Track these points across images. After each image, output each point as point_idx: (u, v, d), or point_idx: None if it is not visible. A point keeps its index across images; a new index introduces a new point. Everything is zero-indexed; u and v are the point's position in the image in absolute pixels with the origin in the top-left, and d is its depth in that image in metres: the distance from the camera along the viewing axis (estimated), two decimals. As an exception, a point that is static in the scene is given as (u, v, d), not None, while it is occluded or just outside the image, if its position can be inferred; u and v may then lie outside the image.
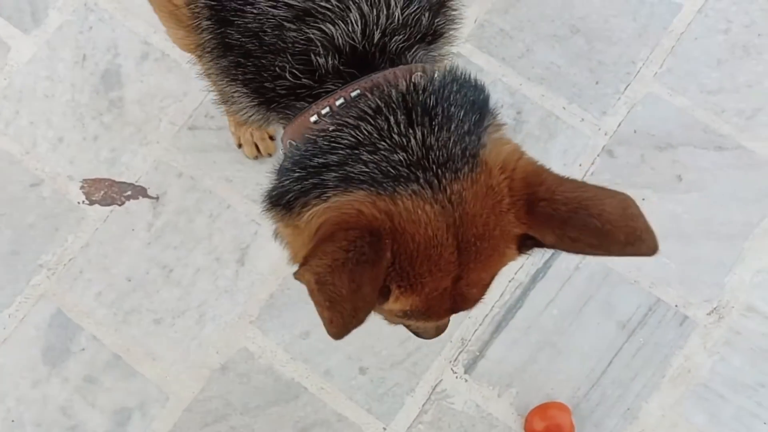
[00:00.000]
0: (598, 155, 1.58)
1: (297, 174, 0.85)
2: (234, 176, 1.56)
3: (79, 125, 1.59)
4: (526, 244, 0.87)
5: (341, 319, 0.74)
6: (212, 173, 1.56)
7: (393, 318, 0.96)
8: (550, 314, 1.50)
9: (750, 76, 1.63)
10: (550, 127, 1.60)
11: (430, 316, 0.90)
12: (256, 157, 1.55)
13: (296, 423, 1.45)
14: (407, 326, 1.11)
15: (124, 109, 1.60)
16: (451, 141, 0.82)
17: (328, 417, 1.45)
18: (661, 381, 1.47)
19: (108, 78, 1.61)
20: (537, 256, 1.52)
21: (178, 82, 1.61)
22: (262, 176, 1.53)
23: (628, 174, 1.57)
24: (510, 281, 1.51)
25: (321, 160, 0.83)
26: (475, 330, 1.49)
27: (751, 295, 1.51)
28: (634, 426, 1.45)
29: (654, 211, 1.53)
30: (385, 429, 1.45)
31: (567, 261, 1.52)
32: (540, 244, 0.86)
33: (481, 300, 0.95)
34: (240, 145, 1.56)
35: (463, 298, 0.90)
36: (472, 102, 0.85)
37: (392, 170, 0.81)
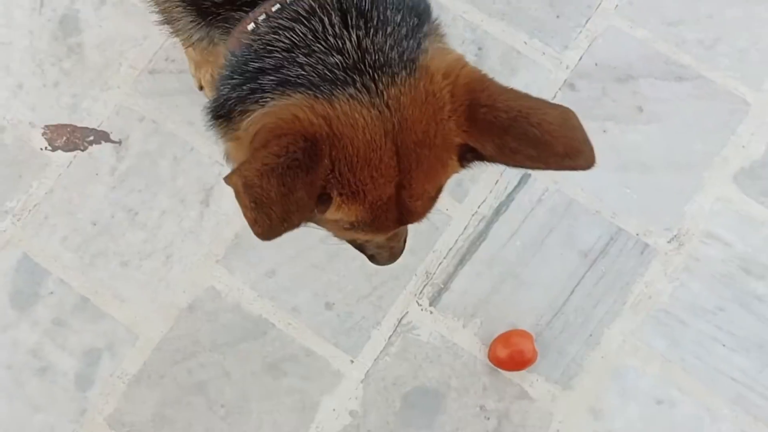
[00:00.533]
0: (559, 89, 1.59)
1: (235, 80, 0.85)
2: (196, 119, 1.55)
3: (39, 72, 1.58)
4: (466, 156, 0.88)
5: (268, 220, 0.75)
6: (174, 116, 1.56)
7: (342, 232, 0.96)
8: (513, 246, 1.52)
9: (710, 7, 1.64)
10: (512, 62, 1.61)
11: (377, 228, 0.91)
12: (217, 99, 1.55)
13: (264, 358, 1.47)
14: (360, 245, 1.12)
15: (84, 55, 1.59)
16: (388, 45, 0.82)
17: (296, 352, 1.48)
18: (622, 308, 1.50)
19: (66, 24, 1.60)
20: (500, 190, 1.54)
21: (138, 26, 1.60)
22: (224, 117, 1.55)
23: (589, 107, 1.58)
24: (473, 215, 1.53)
25: (258, 65, 0.83)
26: (440, 263, 1.51)
27: (711, 222, 1.53)
28: (596, 351, 1.48)
29: (615, 143, 1.57)
30: (352, 362, 1.48)
31: (530, 194, 1.54)
32: (481, 157, 0.87)
33: (428, 214, 0.96)
34: (201, 87, 1.55)
35: (408, 211, 0.91)
36: (410, 7, 0.85)
37: (329, 73, 0.81)
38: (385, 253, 1.11)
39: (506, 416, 1.46)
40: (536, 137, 0.81)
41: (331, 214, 0.87)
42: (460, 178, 1.54)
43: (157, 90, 1.57)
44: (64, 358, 1.47)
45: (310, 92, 0.80)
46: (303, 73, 0.81)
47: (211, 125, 0.93)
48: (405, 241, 1.14)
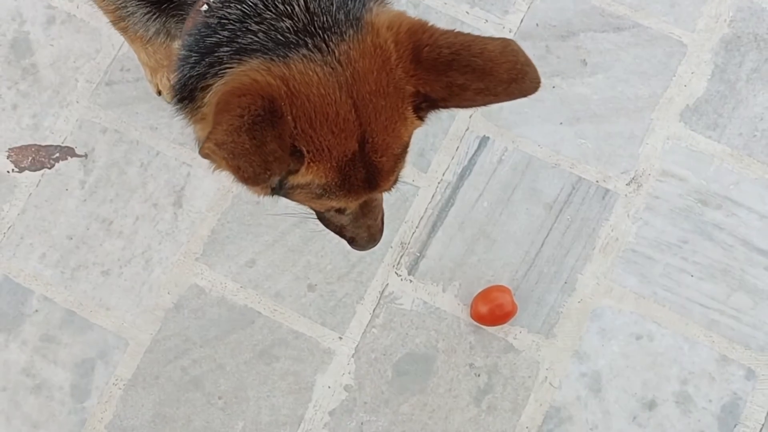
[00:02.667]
0: (505, 52, 1.64)
1: (193, 58, 0.89)
2: (158, 123, 1.59)
3: (-4, 97, 1.60)
4: (421, 107, 0.93)
5: (250, 167, 0.78)
6: (136, 124, 1.59)
7: (315, 201, 1.00)
8: (481, 207, 1.58)
9: (638, -42, 1.71)
10: (457, 32, 1.66)
11: (348, 190, 0.94)
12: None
13: (255, 346, 1.51)
14: (338, 226, 1.15)
15: (39, 75, 1.61)
16: (334, 7, 0.87)
17: (284, 336, 1.51)
18: (592, 252, 1.56)
19: (17, 46, 1.62)
20: (461, 155, 1.59)
21: (89, 41, 1.63)
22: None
23: (536, 65, 1.64)
24: (439, 182, 1.58)
25: (213, 39, 0.87)
26: (413, 233, 1.56)
27: (664, 161, 1.60)
28: (573, 297, 1.54)
29: (565, 97, 1.63)
30: (341, 338, 1.52)
31: (490, 155, 1.60)
32: (434, 103, 0.92)
33: (396, 179, 1.00)
34: (159, 92, 1.58)
35: (375, 169, 0.94)
36: None
37: (281, 37, 0.85)
38: (363, 233, 1.14)
39: (495, 370, 1.51)
40: (480, 67, 0.85)
41: (303, 176, 0.90)
42: (422, 148, 1.59)
43: (116, 100, 1.60)
44: (57, 373, 1.49)
45: (265, 56, 0.85)
46: (257, 39, 0.85)
47: (177, 110, 0.96)
48: (383, 222, 1.17)
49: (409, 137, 0.98)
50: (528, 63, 0.86)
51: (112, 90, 1.61)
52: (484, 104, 0.90)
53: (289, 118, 0.84)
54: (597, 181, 1.59)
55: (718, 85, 1.64)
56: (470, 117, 1.61)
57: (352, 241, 1.17)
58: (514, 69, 0.85)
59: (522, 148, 1.60)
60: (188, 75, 0.90)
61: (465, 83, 0.86)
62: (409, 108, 0.92)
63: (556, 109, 1.61)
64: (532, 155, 1.60)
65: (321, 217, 1.13)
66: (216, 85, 0.86)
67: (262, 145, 0.79)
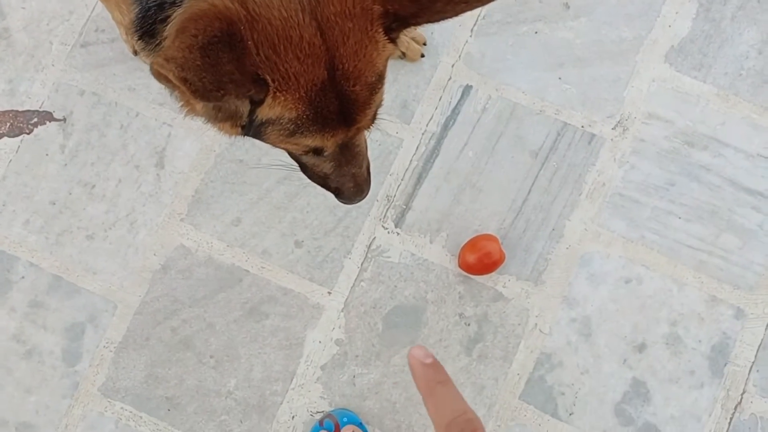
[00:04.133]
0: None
1: None
2: (136, 84, 1.57)
3: (-30, 63, 1.57)
4: (392, 27, 0.89)
5: (200, 82, 0.76)
6: (114, 85, 1.57)
7: (289, 142, 0.96)
8: (466, 157, 1.56)
9: None
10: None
11: (322, 125, 0.91)
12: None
13: (244, 304, 1.51)
14: (322, 175, 1.11)
15: (12, 39, 1.58)
16: None
17: (273, 293, 1.51)
18: (579, 198, 1.55)
19: (-12, 11, 1.59)
20: (444, 105, 1.57)
21: (61, 2, 1.59)
22: (163, 78, 1.55)
23: (518, 11, 1.62)
24: (423, 134, 1.56)
25: None
26: (398, 185, 1.55)
27: (649, 103, 1.59)
28: (561, 244, 1.54)
29: (548, 42, 1.61)
30: (329, 293, 1.51)
31: (474, 104, 1.58)
32: (405, 22, 0.88)
33: (373, 111, 0.96)
34: (136, 53, 1.56)
35: (349, 100, 0.90)
36: None
37: None
38: (348, 183, 1.10)
39: (485, 319, 1.51)
40: None
41: (271, 108, 0.87)
42: (404, 99, 1.57)
43: (92, 62, 1.57)
44: (47, 338, 1.49)
45: None
46: None
47: (140, 49, 0.93)
48: (369, 172, 1.13)
49: (384, 64, 0.94)
50: None
51: (87, 51, 1.58)
52: (456, 14, 0.85)
53: (250, 43, 0.81)
54: (582, 126, 1.57)
55: (702, 24, 1.61)
56: (452, 66, 1.59)
57: (338, 193, 1.13)
58: None
59: (506, 96, 1.58)
60: (147, 6, 0.87)
61: None
62: (380, 30, 0.88)
63: (540, 56, 1.59)
64: (516, 102, 1.58)
65: (302, 166, 1.11)
66: (175, 14, 0.83)
67: (216, 65, 0.76)
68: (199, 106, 0.92)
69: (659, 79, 1.60)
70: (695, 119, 1.58)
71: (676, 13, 1.62)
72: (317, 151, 1.01)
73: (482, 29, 1.59)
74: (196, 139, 1.55)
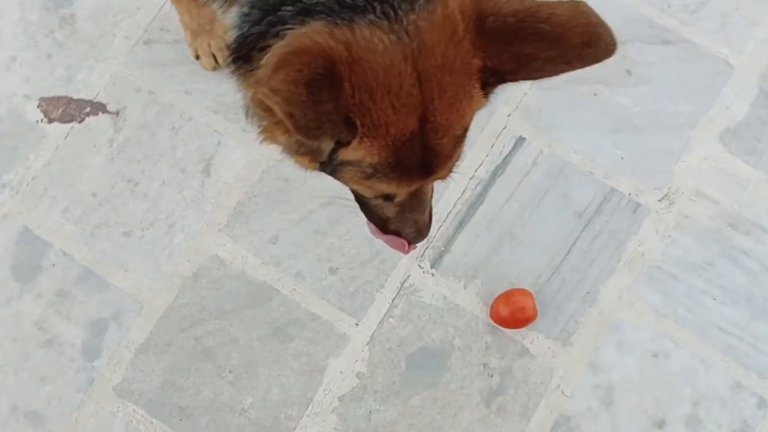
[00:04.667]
0: (551, 54, 1.62)
1: (254, 16, 0.85)
2: (194, 89, 1.57)
3: (32, 44, 1.57)
4: (489, 81, 0.87)
5: (303, 119, 0.75)
6: (171, 86, 1.56)
7: (363, 182, 0.95)
8: (511, 208, 1.56)
9: (694, -27, 1.69)
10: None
11: (401, 174, 0.89)
12: (214, 69, 1.55)
13: (271, 324, 1.49)
14: (382, 216, 1.09)
15: (77, 26, 1.58)
16: None
17: (301, 317, 1.50)
18: (617, 265, 1.55)
19: (57, -6, 1.59)
20: (496, 153, 1.57)
21: (130, -3, 1.60)
22: (222, 87, 1.56)
23: (580, 71, 1.62)
24: (471, 178, 1.56)
25: None
26: (440, 227, 1.54)
27: (699, 180, 1.59)
28: (594, 308, 1.53)
29: (606, 105, 1.61)
30: (357, 324, 1.50)
31: (525, 156, 1.58)
32: (502, 77, 0.86)
33: (454, 166, 0.96)
34: (198, 57, 1.56)
35: (433, 152, 0.89)
36: None
37: (349, 0, 0.80)
38: (410, 229, 1.08)
39: (509, 373, 1.50)
40: (549, 34, 0.79)
41: (354, 151, 0.86)
42: (457, 143, 1.57)
43: (153, 60, 1.57)
44: (70, 329, 1.47)
45: (329, 19, 0.80)
46: (322, 1, 0.80)
47: (231, 72, 0.92)
48: (431, 216, 1.10)
49: (472, 118, 0.92)
50: (601, 24, 0.79)
51: (149, 49, 1.58)
52: (556, 73, 0.84)
53: (347, 84, 0.79)
54: (629, 194, 1.57)
55: (760, 110, 1.62)
56: (508, 116, 1.59)
57: (396, 232, 1.11)
58: (587, 32, 0.78)
59: (558, 153, 1.58)
60: (247, 33, 0.85)
61: (534, 52, 0.80)
62: (477, 84, 0.86)
63: (596, 117, 1.60)
64: (567, 161, 1.58)
65: (364, 205, 1.10)
66: (276, 46, 0.81)
67: (319, 103, 0.75)
68: (283, 137, 0.91)
69: (711, 158, 1.60)
70: (742, 203, 1.58)
71: (736, 95, 1.62)
72: (388, 197, 1.01)
73: (543, 83, 1.59)
74: (244, 152, 1.54)
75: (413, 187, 0.97)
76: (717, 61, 1.64)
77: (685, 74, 1.63)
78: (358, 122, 0.83)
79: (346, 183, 0.99)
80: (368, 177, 0.92)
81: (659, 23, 1.65)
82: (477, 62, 0.85)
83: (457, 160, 0.95)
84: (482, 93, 0.88)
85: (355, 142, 0.86)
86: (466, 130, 0.93)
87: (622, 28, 1.63)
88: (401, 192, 0.98)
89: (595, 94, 1.61)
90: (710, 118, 1.62)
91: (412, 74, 0.83)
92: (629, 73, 1.63)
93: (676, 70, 1.63)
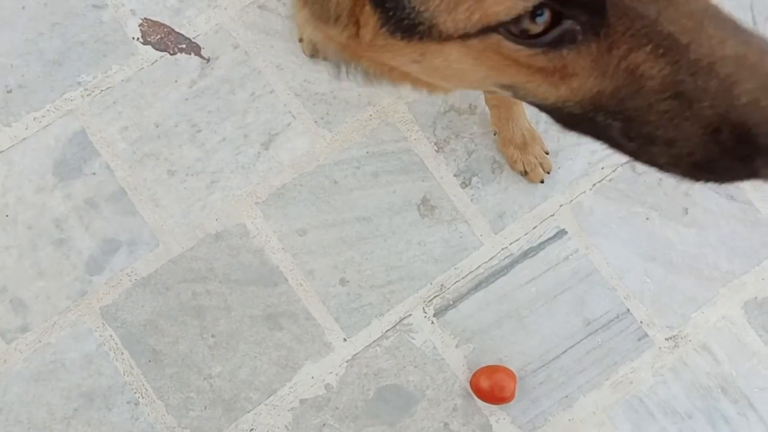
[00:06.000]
0: (621, 165, 1.65)
1: None
2: (286, 66, 1.61)
3: (156, -34, 1.62)
4: None
5: None
6: (267, 55, 1.60)
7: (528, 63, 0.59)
8: (528, 290, 1.59)
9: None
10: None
11: None
12: (312, 56, 1.59)
13: (267, 307, 1.52)
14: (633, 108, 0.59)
15: (203, -33, 1.63)
16: None
17: (297, 312, 1.53)
18: (603, 382, 1.57)
19: (197, -69, 1.64)
20: (535, 236, 1.60)
21: (262, -40, 1.64)
22: (312, 75, 1.60)
23: (642, 191, 1.65)
24: (503, 249, 1.59)
25: None
26: (456, 281, 1.57)
27: (710, 335, 1.61)
28: (566, 413, 1.55)
29: (652, 232, 1.64)
30: (345, 340, 1.53)
31: (560, 249, 1.60)
32: None
33: None
34: (301, 40, 1.60)
35: None
36: None
37: None
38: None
39: (465, 441, 1.52)
40: None
41: None
42: (504, 210, 1.60)
43: (260, 26, 1.61)
44: (84, 238, 1.51)
45: None
46: None
47: None
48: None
49: None
50: None
51: (261, 14, 1.62)
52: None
53: None
54: (641, 322, 1.60)
55: (792, 294, 1.64)
56: (560, 206, 1.62)
57: (671, 164, 0.62)
58: None
59: (591, 258, 1.61)
60: None
61: None
62: None
63: (639, 240, 1.62)
64: (596, 268, 1.61)
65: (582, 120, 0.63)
66: None
67: None
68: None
69: (729, 319, 1.62)
70: (740, 372, 1.60)
71: (775, 271, 1.65)
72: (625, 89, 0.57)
73: (603, 189, 1.63)
74: (308, 141, 1.58)
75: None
76: (770, 233, 1.67)
77: (736, 233, 1.66)
78: None
79: (474, 68, 0.63)
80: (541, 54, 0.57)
81: (730, 176, 1.68)
82: None
83: None
84: None
85: None
86: None
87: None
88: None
89: (647, 219, 1.63)
90: (743, 282, 1.64)
91: None
92: (686, 211, 1.65)
93: (730, 226, 1.66)
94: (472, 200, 1.60)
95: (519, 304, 1.58)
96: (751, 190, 1.67)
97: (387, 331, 1.54)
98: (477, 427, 1.53)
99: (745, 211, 1.67)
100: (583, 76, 0.57)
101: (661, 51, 0.55)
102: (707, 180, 0.61)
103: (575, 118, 0.62)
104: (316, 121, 1.58)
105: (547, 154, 1.61)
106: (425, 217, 1.58)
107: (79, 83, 1.56)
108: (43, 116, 1.54)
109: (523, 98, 0.65)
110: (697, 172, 0.61)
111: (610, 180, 1.64)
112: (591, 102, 0.58)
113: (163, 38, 1.59)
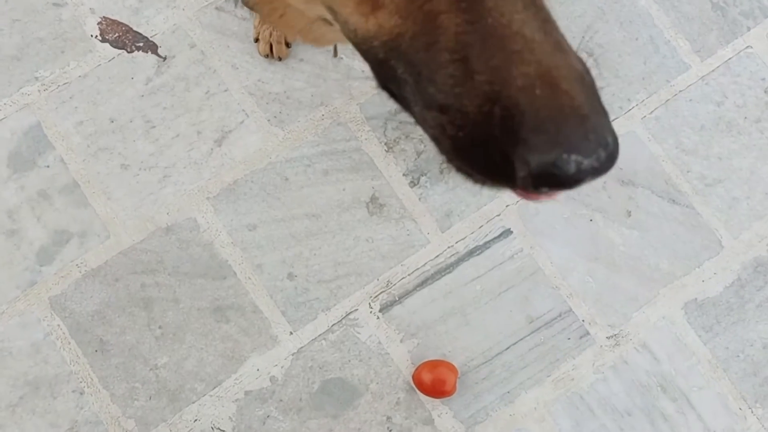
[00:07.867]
0: (566, 168, 1.70)
1: None
2: (241, 65, 1.65)
3: (117, -33, 1.66)
4: None
5: None
6: (222, 55, 1.65)
7: None
8: (473, 288, 1.62)
9: (723, 150, 1.77)
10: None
11: None
12: (266, 56, 1.64)
13: (215, 300, 1.55)
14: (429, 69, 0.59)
15: (162, -31, 1.67)
16: None
17: (244, 305, 1.56)
18: (545, 379, 1.60)
19: (158, -65, 1.69)
20: (481, 235, 1.64)
21: (220, -37, 1.69)
22: (266, 75, 1.64)
23: (586, 194, 1.70)
24: (449, 247, 1.63)
25: None
26: (403, 278, 1.61)
27: (650, 335, 1.65)
28: (508, 408, 1.58)
29: (596, 234, 1.68)
30: (291, 333, 1.56)
31: (505, 248, 1.64)
32: None
33: None
34: (257, 40, 1.64)
35: None
36: None
37: None
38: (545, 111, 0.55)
39: (407, 434, 1.55)
40: None
41: None
42: (451, 209, 1.64)
43: (217, 26, 1.66)
44: (36, 229, 1.53)
45: None
46: None
47: None
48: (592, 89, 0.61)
49: None
50: None
51: (218, 15, 1.67)
52: None
53: None
54: (583, 320, 1.63)
55: (730, 296, 1.68)
56: (506, 207, 1.66)
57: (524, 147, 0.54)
58: None
59: (535, 257, 1.65)
60: None
61: None
62: None
63: (583, 240, 1.66)
64: (540, 267, 1.64)
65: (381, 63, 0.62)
66: None
67: None
68: None
69: (669, 319, 1.66)
70: (680, 371, 1.64)
71: (714, 273, 1.69)
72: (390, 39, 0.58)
73: (548, 191, 1.67)
74: (260, 139, 1.62)
75: None
76: (711, 237, 1.71)
77: (677, 236, 1.70)
78: None
79: None
80: None
81: (674, 182, 1.73)
82: None
83: None
84: None
85: None
86: None
87: (641, 173, 1.73)
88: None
89: (591, 220, 1.68)
90: (683, 284, 1.68)
91: None
92: (629, 214, 1.70)
93: (671, 229, 1.70)
94: (420, 199, 1.64)
95: (464, 301, 1.61)
96: (693, 194, 1.72)
97: (333, 325, 1.57)
98: (419, 421, 1.55)
99: (686, 214, 1.72)
100: (390, 10, 0.57)
101: (463, 4, 0.54)
102: (462, 165, 0.57)
103: (382, 67, 0.61)
104: (269, 120, 1.62)
105: None
106: (374, 214, 1.62)
107: (36, 78, 1.59)
108: (0, 110, 1.57)
109: (344, 31, 0.64)
110: (456, 153, 0.57)
111: (554, 182, 1.67)
112: (392, 45, 0.58)
113: (121, 36, 1.63)
